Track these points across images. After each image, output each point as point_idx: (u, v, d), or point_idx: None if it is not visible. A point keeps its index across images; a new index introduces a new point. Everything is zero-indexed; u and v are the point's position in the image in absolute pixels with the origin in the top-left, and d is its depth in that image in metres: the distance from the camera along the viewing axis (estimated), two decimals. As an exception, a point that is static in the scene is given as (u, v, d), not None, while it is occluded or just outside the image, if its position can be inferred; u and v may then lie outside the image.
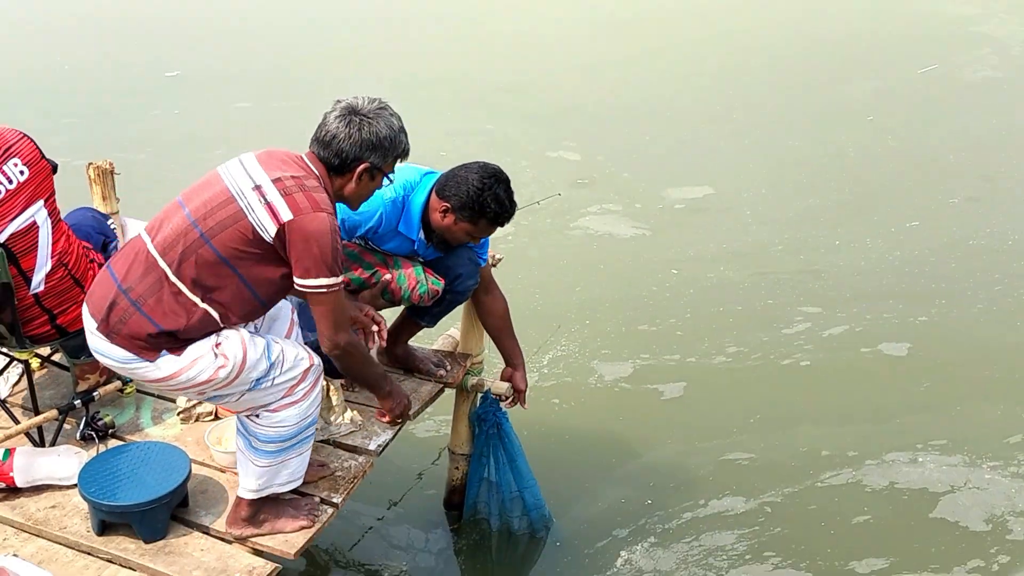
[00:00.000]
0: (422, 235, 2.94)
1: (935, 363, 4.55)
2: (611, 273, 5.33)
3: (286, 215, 2.24)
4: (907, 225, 5.79)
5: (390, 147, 2.37)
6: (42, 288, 2.78)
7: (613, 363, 4.53)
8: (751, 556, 3.47)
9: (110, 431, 2.96)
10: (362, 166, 2.36)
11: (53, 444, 2.90)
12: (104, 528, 2.60)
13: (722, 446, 4.01)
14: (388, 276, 2.90)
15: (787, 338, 4.72)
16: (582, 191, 6.22)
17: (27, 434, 2.89)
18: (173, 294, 2.31)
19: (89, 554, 2.57)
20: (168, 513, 2.62)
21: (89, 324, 2.41)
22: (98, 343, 2.39)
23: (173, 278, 2.30)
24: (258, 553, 2.60)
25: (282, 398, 2.45)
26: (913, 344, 4.66)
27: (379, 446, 2.98)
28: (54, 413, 2.90)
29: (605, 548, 3.50)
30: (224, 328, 2.39)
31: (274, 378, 2.41)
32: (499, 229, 2.97)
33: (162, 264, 2.31)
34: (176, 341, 2.34)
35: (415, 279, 2.92)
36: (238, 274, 2.31)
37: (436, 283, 2.97)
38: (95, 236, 3.11)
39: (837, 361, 4.57)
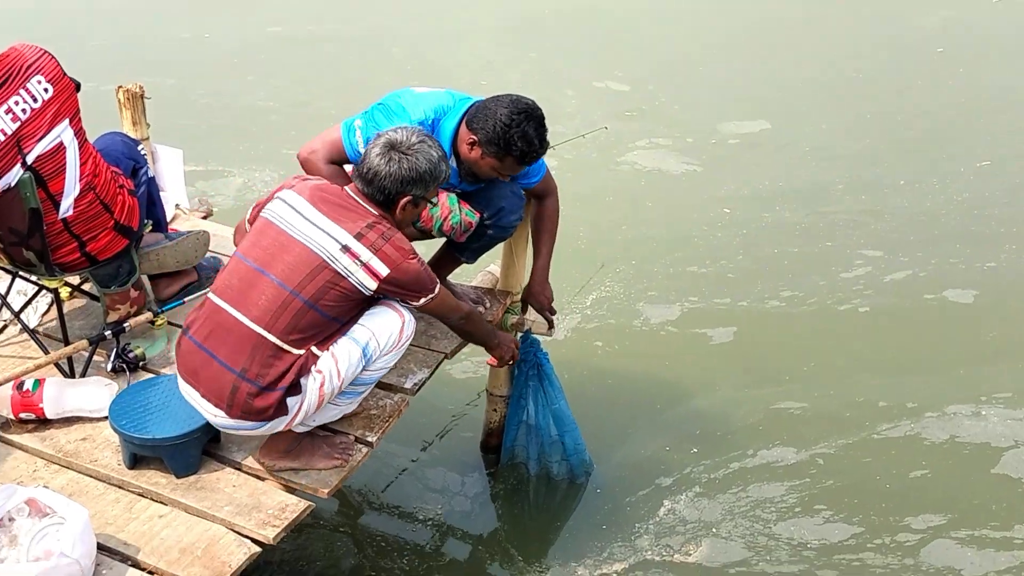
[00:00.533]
0: (454, 163, 2.80)
1: (1002, 311, 4.38)
2: (659, 211, 5.18)
3: (383, 271, 2.41)
4: (976, 165, 5.55)
5: (431, 179, 2.48)
6: (71, 213, 2.70)
7: (660, 305, 4.40)
8: (801, 509, 3.36)
9: (141, 363, 2.92)
10: (405, 199, 2.47)
11: (83, 375, 2.87)
12: (135, 461, 2.58)
13: (773, 394, 3.89)
14: None
15: (845, 283, 4.56)
16: (630, 124, 6.00)
17: (57, 365, 2.85)
18: (287, 359, 2.42)
19: (120, 487, 2.56)
20: (200, 448, 2.59)
21: (213, 410, 2.45)
22: (228, 422, 2.47)
23: (287, 347, 2.41)
24: (291, 491, 2.56)
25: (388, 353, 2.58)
26: (980, 291, 4.49)
27: (415, 384, 2.91)
28: (84, 344, 2.85)
29: (647, 496, 3.41)
30: None
31: (373, 357, 2.50)
32: (542, 162, 2.87)
33: (271, 338, 2.39)
34: (296, 387, 2.46)
35: (448, 208, 2.80)
36: (342, 322, 2.48)
37: (470, 215, 2.84)
38: (124, 161, 3.00)
39: (898, 308, 4.41)
